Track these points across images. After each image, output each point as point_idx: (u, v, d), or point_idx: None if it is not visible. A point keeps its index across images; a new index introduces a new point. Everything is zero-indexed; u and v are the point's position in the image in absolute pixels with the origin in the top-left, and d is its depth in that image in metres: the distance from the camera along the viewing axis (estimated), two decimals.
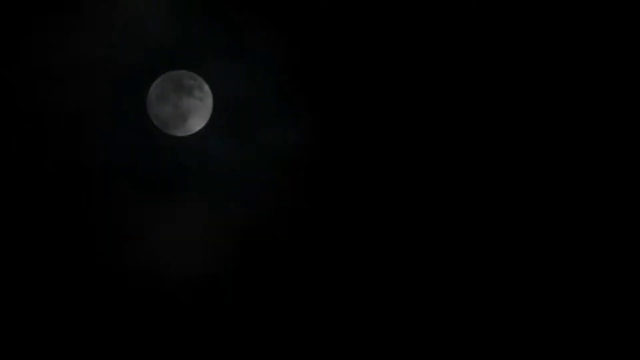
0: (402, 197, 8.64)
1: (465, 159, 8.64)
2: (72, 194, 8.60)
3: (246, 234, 8.74)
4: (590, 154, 8.53)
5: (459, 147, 8.64)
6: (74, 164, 8.58)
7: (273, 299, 8.61)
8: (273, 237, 8.72)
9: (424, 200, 8.63)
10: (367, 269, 8.62)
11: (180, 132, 8.69)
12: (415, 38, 8.67)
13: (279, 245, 8.71)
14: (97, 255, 8.63)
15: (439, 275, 8.58)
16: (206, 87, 8.69)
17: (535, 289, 8.51)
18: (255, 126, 8.73)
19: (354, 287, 8.60)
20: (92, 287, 8.55)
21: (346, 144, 8.79)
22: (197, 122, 8.69)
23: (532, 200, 8.54)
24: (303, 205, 8.71)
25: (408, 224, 8.64)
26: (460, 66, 8.64)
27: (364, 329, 8.54)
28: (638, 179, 8.43)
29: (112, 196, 8.65)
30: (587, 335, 8.43)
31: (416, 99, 8.71)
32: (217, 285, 8.68)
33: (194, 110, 8.67)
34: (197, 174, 8.71)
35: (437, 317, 8.54)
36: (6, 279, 8.44)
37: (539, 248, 8.54)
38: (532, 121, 8.59)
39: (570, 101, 8.58)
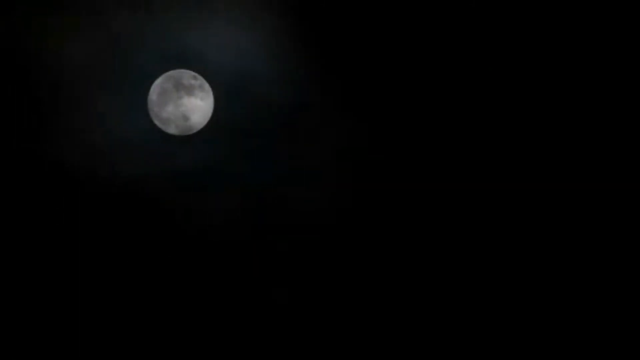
0: (403, 207, 8.70)
1: (464, 173, 8.69)
2: (72, 194, 8.59)
3: (247, 234, 8.77)
4: (590, 168, 8.59)
5: (459, 159, 8.69)
6: (74, 164, 8.56)
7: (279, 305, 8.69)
8: (274, 237, 8.75)
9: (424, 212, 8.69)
10: (375, 272, 8.69)
11: (181, 132, 8.67)
12: (416, 41, 8.67)
13: (279, 246, 8.74)
14: (97, 256, 8.66)
15: (441, 281, 8.67)
16: (207, 87, 8.66)
17: (534, 300, 8.61)
18: (256, 126, 8.72)
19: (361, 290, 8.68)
20: (94, 289, 8.59)
21: (348, 143, 8.80)
22: (198, 121, 8.68)
23: (531, 215, 8.62)
24: (305, 205, 8.74)
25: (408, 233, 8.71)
26: (460, 72, 8.65)
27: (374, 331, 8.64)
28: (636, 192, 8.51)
29: (113, 196, 8.65)
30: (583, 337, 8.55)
31: (417, 104, 8.73)
32: (219, 287, 8.74)
33: (195, 110, 8.65)
34: (198, 174, 8.71)
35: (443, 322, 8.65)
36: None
37: (539, 260, 8.63)
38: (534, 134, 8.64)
39: (571, 112, 8.61)
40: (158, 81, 8.58)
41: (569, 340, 8.55)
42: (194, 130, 8.69)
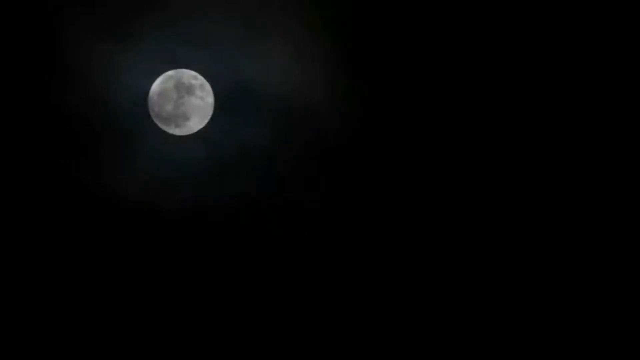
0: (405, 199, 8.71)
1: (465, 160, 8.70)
2: (73, 193, 8.59)
3: (247, 234, 8.77)
4: (590, 156, 8.61)
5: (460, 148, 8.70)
6: (75, 163, 8.57)
7: (278, 302, 8.68)
8: (273, 238, 8.74)
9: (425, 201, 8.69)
10: (372, 270, 8.68)
11: (182, 132, 8.69)
12: (418, 41, 8.70)
13: (279, 246, 8.74)
14: (98, 256, 8.66)
15: (441, 276, 8.67)
16: (207, 87, 8.68)
17: (534, 292, 8.61)
18: (256, 125, 8.73)
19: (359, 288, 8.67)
20: (95, 290, 8.60)
21: (347, 143, 8.81)
22: (198, 121, 8.69)
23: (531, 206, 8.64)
24: (304, 205, 8.74)
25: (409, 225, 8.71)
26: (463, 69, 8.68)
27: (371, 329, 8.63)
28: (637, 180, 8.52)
29: (113, 195, 8.65)
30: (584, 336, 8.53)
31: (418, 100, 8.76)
32: (216, 287, 8.73)
33: (195, 110, 8.67)
34: (199, 173, 8.72)
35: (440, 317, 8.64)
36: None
37: (538, 249, 8.63)
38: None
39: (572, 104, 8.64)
40: (159, 80, 8.61)
41: (569, 340, 8.54)
42: (195, 130, 8.71)
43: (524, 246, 8.62)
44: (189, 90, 8.63)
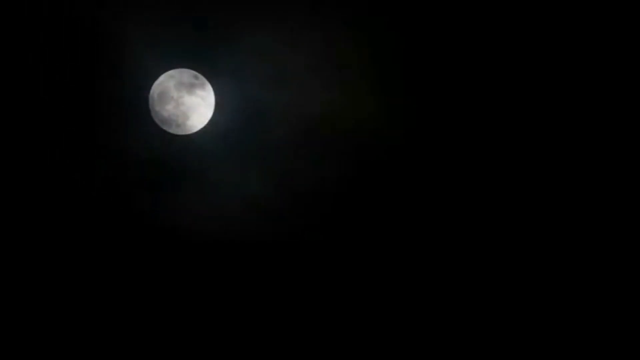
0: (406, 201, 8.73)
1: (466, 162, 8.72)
2: (73, 193, 8.57)
3: (246, 234, 8.77)
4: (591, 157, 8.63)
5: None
6: (75, 163, 8.54)
7: (273, 303, 8.71)
8: (273, 238, 8.75)
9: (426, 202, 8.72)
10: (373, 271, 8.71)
11: (182, 131, 8.66)
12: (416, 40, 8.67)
13: (278, 247, 8.75)
14: (97, 253, 8.66)
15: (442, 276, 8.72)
16: (208, 86, 8.64)
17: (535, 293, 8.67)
18: (257, 125, 8.71)
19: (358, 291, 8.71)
20: (94, 288, 8.60)
21: (346, 144, 8.81)
22: (199, 120, 8.66)
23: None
24: (304, 206, 8.74)
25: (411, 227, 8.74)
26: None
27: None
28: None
29: (114, 195, 8.64)
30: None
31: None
32: (214, 289, 8.76)
33: (196, 109, 8.63)
34: (199, 173, 8.70)
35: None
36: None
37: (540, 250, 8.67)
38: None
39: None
40: (160, 80, 8.56)
41: (569, 341, 8.62)
42: (195, 129, 8.67)
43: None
44: (190, 89, 8.59)
